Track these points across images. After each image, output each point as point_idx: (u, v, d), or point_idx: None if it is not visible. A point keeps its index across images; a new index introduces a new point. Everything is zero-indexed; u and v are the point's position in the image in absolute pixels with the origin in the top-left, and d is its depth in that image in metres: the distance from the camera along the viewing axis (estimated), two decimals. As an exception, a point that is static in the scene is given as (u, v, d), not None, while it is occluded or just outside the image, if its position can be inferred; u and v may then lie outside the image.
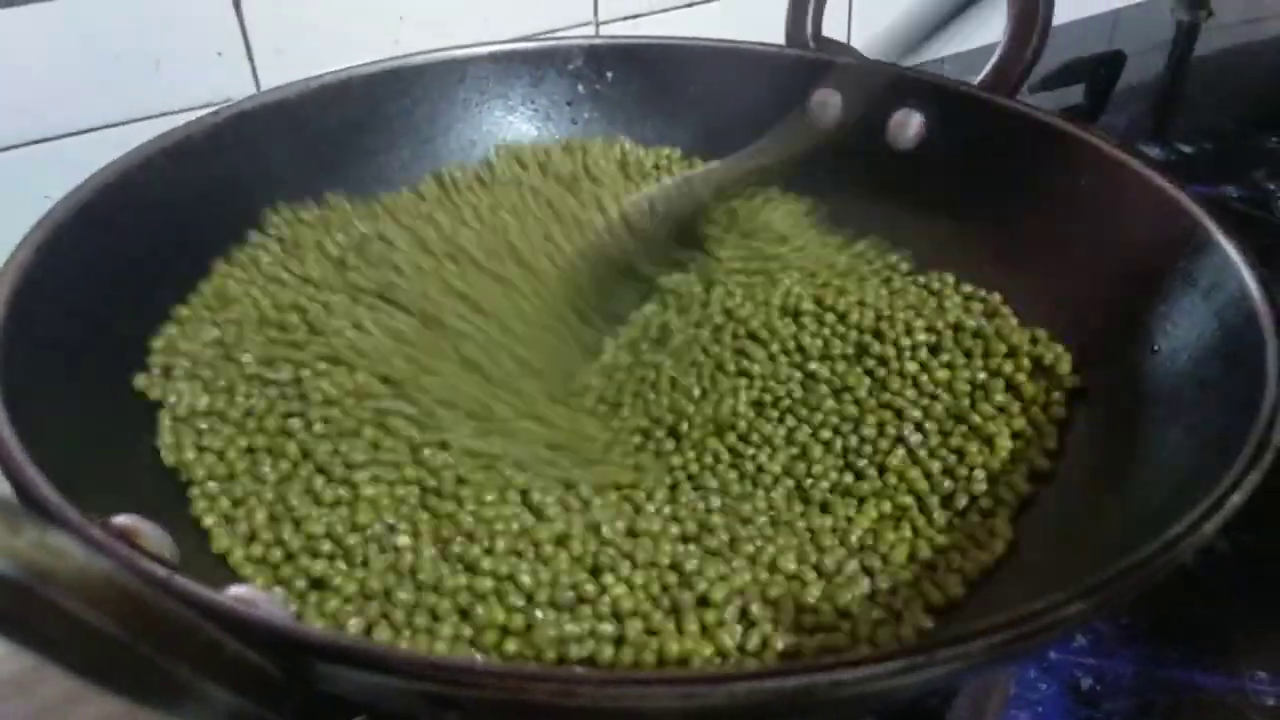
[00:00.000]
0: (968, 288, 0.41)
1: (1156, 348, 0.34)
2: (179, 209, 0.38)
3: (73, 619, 0.15)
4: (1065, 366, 0.37)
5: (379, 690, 0.20)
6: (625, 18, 0.66)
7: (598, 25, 0.66)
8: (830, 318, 0.40)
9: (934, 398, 0.36)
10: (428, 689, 0.19)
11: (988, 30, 0.45)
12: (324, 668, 0.20)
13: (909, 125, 0.44)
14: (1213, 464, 0.25)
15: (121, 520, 0.23)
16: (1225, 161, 0.69)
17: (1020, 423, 0.35)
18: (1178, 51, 0.87)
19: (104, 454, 0.30)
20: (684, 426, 0.36)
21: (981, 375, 0.37)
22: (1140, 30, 0.89)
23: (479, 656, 0.26)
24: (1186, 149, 0.70)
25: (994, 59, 0.44)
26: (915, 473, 0.34)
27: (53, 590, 0.14)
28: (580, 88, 0.48)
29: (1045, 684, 0.36)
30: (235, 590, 0.22)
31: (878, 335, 0.39)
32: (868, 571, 0.30)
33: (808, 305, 0.40)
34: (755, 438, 0.36)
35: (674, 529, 0.31)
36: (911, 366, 0.37)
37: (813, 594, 0.29)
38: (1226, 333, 0.31)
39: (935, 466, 0.34)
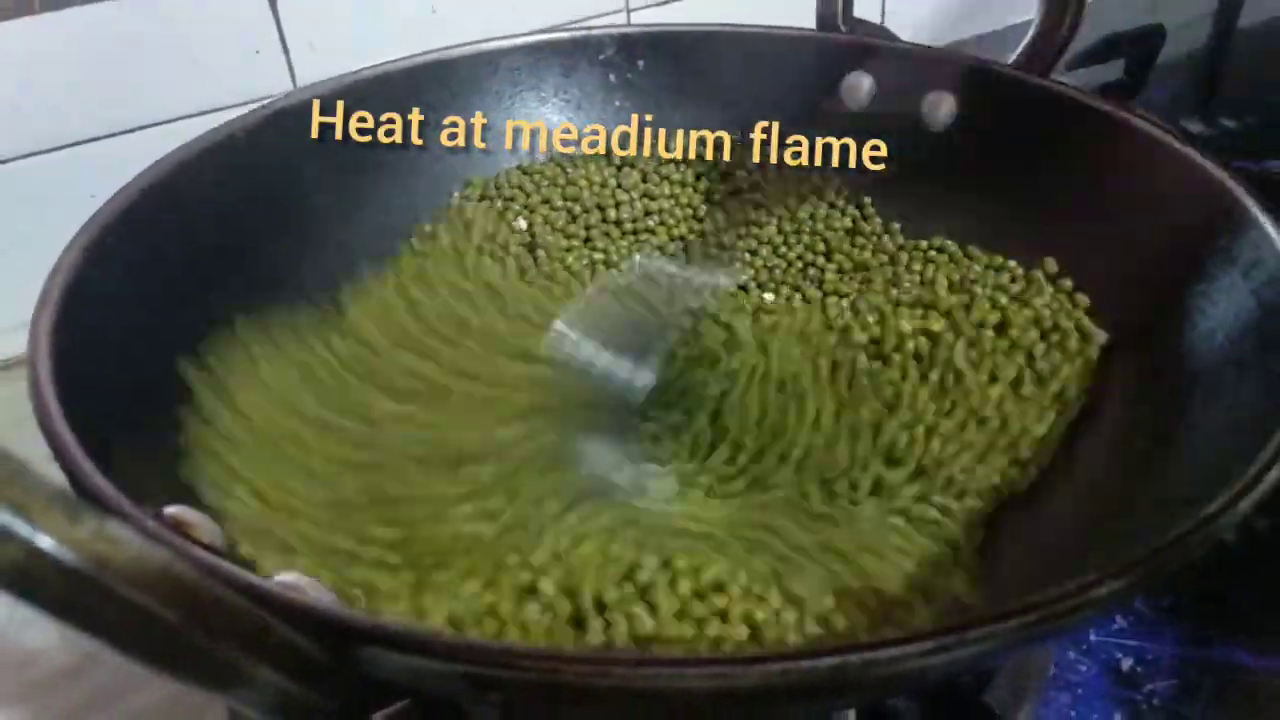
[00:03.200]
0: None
1: (1194, 327, 0.33)
2: (222, 207, 0.38)
3: (130, 605, 0.15)
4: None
5: (420, 672, 0.20)
6: (656, 3, 0.66)
7: (629, 11, 0.66)
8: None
9: None
10: (466, 670, 0.20)
11: (1024, 7, 0.44)
12: (366, 651, 0.20)
13: (942, 107, 0.44)
14: (1248, 443, 0.25)
15: (173, 511, 0.24)
16: (1271, 135, 0.67)
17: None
18: (1221, 23, 0.85)
19: (154, 448, 0.31)
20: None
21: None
22: (1184, 1, 0.87)
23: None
24: (1230, 123, 0.69)
25: (1027, 37, 0.43)
26: None
27: (111, 578, 0.15)
28: (612, 77, 0.49)
29: (1085, 665, 0.36)
30: (281, 576, 0.23)
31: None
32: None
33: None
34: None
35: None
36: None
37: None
38: (1265, 312, 0.31)
39: None
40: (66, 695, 0.36)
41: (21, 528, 0.14)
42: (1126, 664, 0.36)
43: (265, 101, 0.42)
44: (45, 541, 0.14)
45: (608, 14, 0.65)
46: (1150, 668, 0.36)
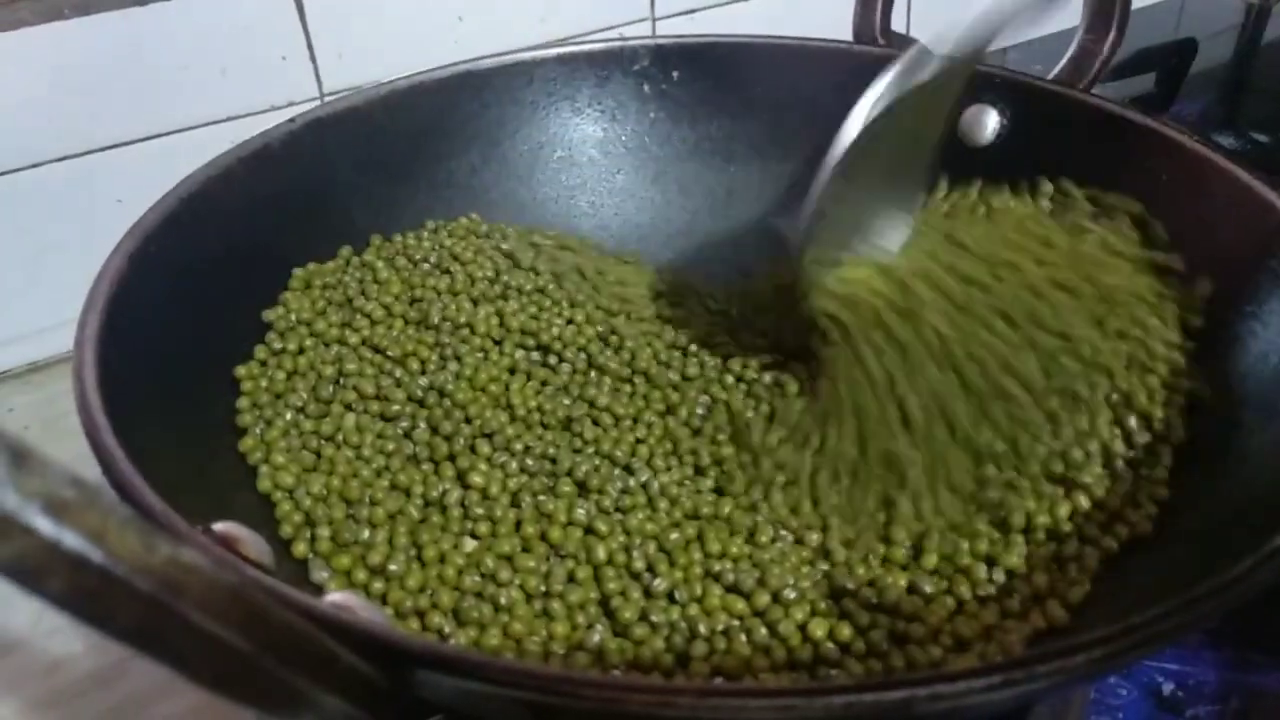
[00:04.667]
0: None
1: (1246, 349, 0.33)
2: (258, 215, 0.38)
3: (202, 632, 0.15)
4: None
5: (477, 697, 0.20)
6: (682, 13, 0.66)
7: (654, 21, 0.65)
8: None
9: None
10: (527, 697, 0.19)
11: (1060, 17, 0.44)
12: (425, 675, 0.20)
13: (983, 121, 0.44)
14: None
15: (221, 527, 0.24)
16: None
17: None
18: (1247, 36, 0.84)
19: (197, 460, 0.30)
20: None
21: None
22: (1209, 15, 0.87)
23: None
24: (1261, 137, 0.68)
25: (1070, 51, 0.43)
26: None
27: (185, 605, 0.15)
28: (646, 88, 0.48)
29: (1125, 689, 0.35)
30: (331, 597, 0.23)
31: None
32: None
33: None
34: None
35: None
36: None
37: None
38: (1320, 335, 0.30)
39: None
40: (94, 702, 0.36)
41: (96, 554, 0.14)
42: (1168, 688, 0.35)
43: (292, 108, 0.42)
44: (120, 569, 0.14)
45: (633, 23, 0.64)
46: (1192, 692, 0.35)
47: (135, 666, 0.36)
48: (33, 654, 0.37)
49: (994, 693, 0.20)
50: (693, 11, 0.67)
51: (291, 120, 0.40)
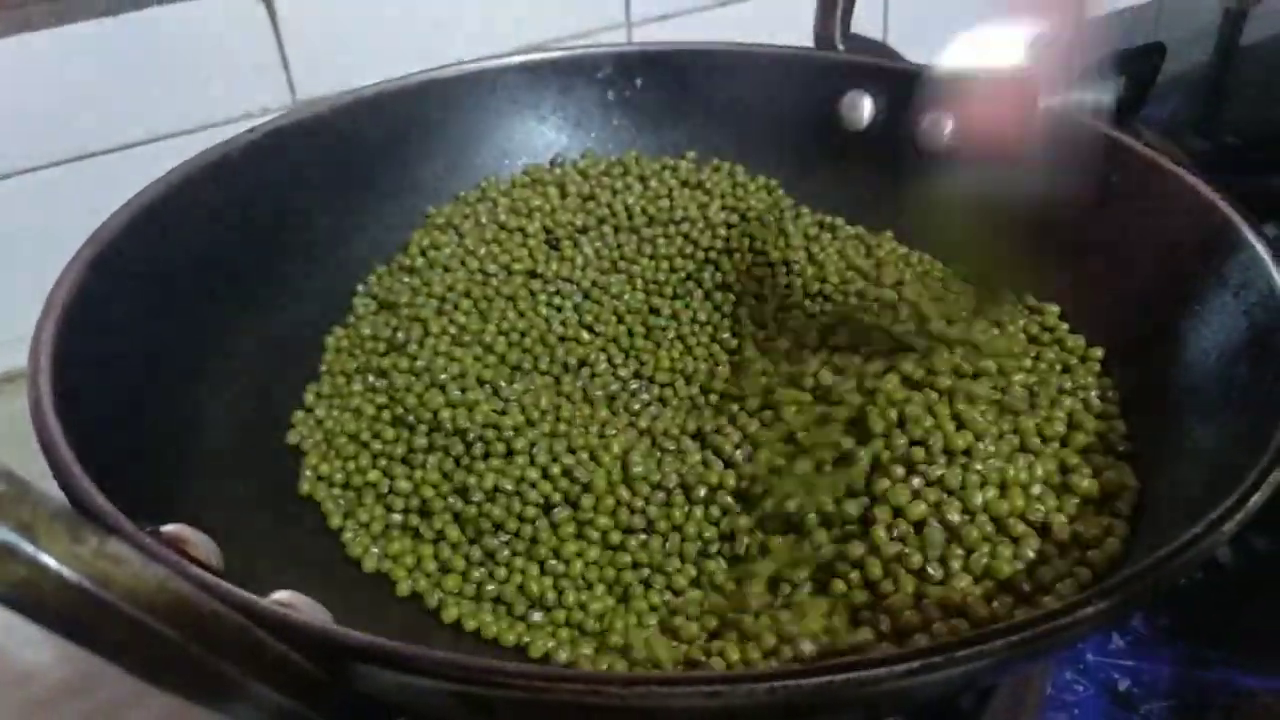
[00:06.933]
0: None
1: (1188, 346, 0.34)
2: (220, 224, 0.39)
3: (130, 621, 0.16)
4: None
5: (413, 690, 0.21)
6: (657, 18, 0.67)
7: (630, 27, 0.66)
8: None
9: None
10: (458, 689, 0.20)
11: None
12: (361, 669, 0.20)
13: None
14: (1237, 463, 0.25)
15: (171, 529, 0.24)
16: (1274, 153, 0.67)
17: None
18: (1224, 39, 0.85)
19: (151, 464, 0.31)
20: None
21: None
22: (1185, 17, 0.88)
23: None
24: (1233, 140, 0.69)
25: (1026, 60, 0.44)
26: None
27: (112, 595, 0.15)
28: (610, 95, 0.49)
29: (1082, 685, 0.36)
30: (277, 595, 0.23)
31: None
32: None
33: None
34: None
35: None
36: None
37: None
38: (1255, 332, 0.31)
39: None
40: (65, 712, 0.36)
41: (26, 546, 0.15)
42: (1124, 685, 0.36)
43: (265, 117, 0.42)
44: (48, 560, 0.15)
45: (608, 29, 0.65)
46: (1147, 689, 0.36)
47: (107, 676, 0.36)
48: (5, 664, 0.37)
49: (914, 678, 0.20)
50: (668, 17, 0.67)
51: (252, 130, 0.40)
